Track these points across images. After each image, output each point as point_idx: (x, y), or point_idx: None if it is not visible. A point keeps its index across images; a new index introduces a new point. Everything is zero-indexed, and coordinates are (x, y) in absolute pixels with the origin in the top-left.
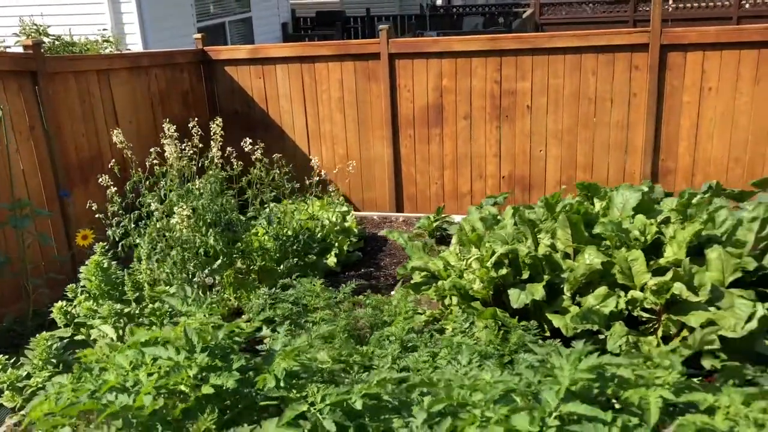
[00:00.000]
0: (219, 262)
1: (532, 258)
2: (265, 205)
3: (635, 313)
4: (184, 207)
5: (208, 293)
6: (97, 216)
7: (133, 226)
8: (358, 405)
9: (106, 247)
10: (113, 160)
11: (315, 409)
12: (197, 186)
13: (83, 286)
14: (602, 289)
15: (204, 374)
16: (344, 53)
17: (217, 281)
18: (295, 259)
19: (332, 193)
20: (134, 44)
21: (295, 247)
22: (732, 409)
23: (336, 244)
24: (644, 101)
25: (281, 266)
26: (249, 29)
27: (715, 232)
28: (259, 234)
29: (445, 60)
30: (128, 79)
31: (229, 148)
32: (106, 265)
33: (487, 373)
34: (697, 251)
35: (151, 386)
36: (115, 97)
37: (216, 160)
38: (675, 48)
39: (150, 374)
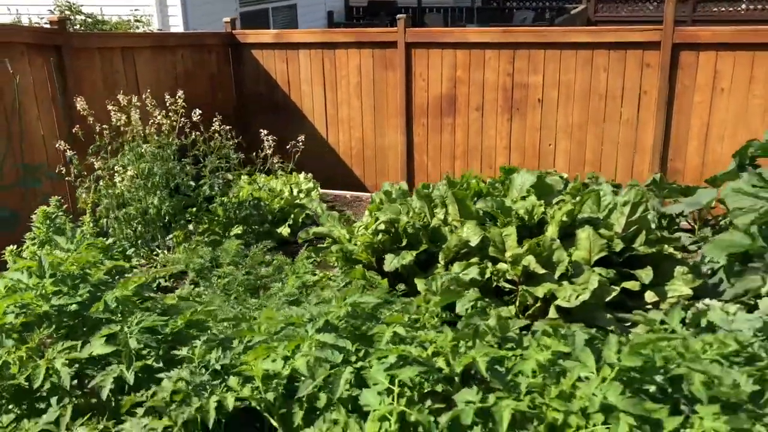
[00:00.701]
0: (166, 222)
1: (413, 228)
2: (217, 174)
3: (500, 284)
4: (126, 168)
5: (165, 252)
6: (67, 179)
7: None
8: (167, 330)
9: (60, 201)
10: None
11: (128, 329)
12: (144, 150)
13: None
14: (473, 260)
15: (51, 297)
16: (363, 41)
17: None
18: (244, 226)
19: (278, 168)
20: (176, 26)
21: (241, 214)
22: (440, 343)
23: (292, 216)
24: (654, 99)
25: (232, 230)
26: (293, 16)
27: (598, 215)
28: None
29: (459, 51)
30: (153, 58)
31: (170, 114)
32: (54, 216)
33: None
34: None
35: (3, 304)
36: (138, 74)
37: (165, 129)
38: (687, 47)
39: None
